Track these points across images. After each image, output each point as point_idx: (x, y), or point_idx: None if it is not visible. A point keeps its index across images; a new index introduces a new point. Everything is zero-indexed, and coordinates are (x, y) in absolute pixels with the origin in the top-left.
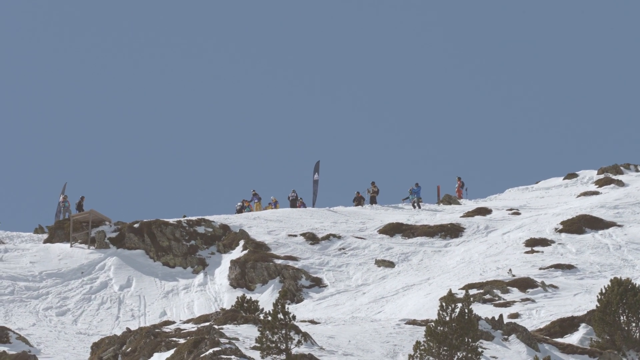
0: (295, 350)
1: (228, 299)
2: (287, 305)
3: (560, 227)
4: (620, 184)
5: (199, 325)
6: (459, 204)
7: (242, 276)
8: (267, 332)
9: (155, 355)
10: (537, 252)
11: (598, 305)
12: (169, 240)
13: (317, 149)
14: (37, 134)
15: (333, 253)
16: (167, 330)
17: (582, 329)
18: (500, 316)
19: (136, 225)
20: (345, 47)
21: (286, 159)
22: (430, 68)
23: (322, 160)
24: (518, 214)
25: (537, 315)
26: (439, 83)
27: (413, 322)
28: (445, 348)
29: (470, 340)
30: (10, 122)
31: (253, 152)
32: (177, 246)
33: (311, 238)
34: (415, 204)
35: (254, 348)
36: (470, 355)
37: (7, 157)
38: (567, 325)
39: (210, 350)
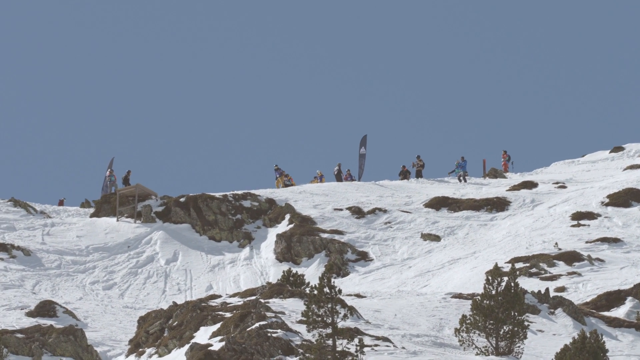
0: (341, 324)
1: (274, 272)
2: (333, 279)
3: (607, 200)
4: None
5: (245, 299)
6: (504, 177)
7: (288, 250)
8: (313, 306)
9: (202, 329)
10: (583, 225)
11: None
12: (215, 214)
13: (363, 123)
14: (84, 109)
15: (379, 227)
16: (213, 304)
17: (629, 303)
18: (547, 290)
19: (182, 200)
20: (391, 21)
21: (332, 132)
22: (476, 41)
23: (368, 133)
24: (564, 187)
25: (583, 288)
26: (485, 56)
27: (459, 296)
28: (491, 322)
29: (516, 313)
30: (58, 97)
31: (299, 126)
32: (223, 220)
33: (357, 212)
34: (461, 178)
35: (300, 322)
36: (516, 329)
37: (55, 132)
38: (614, 298)
39: (257, 324)
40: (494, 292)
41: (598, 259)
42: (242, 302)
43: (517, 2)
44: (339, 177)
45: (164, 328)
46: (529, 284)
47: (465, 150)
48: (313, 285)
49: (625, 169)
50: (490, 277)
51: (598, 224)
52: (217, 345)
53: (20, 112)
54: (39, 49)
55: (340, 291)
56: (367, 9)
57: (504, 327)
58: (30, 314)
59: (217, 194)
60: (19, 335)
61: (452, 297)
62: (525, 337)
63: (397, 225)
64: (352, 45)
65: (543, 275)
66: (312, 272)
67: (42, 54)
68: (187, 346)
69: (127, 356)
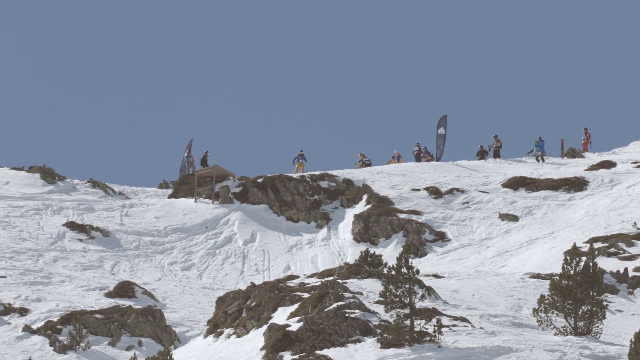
0: (419, 304)
1: (352, 253)
2: (410, 260)
3: None
4: None
5: (323, 280)
6: (582, 157)
7: (365, 230)
8: (391, 286)
9: (280, 309)
10: None
11: None
12: (292, 195)
13: (440, 103)
14: (163, 90)
15: (457, 207)
16: (291, 284)
17: None
18: (625, 269)
19: (260, 180)
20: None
21: (410, 112)
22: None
23: (446, 113)
24: None
25: None
26: (564, 34)
27: (537, 276)
28: (569, 302)
29: (595, 293)
30: (138, 78)
31: (377, 106)
32: (301, 201)
33: (434, 192)
34: (539, 158)
35: (378, 302)
36: (595, 308)
37: (133, 113)
38: None
39: (334, 305)
40: (572, 272)
41: None
42: (319, 283)
43: None
44: (418, 157)
45: (242, 309)
46: (608, 264)
47: (542, 130)
48: (391, 266)
49: None
50: (568, 257)
51: None
52: (295, 325)
53: (100, 94)
54: (114, 28)
55: (418, 271)
56: None
57: (583, 307)
58: (109, 295)
59: (295, 175)
60: (98, 315)
61: (530, 277)
62: (604, 317)
63: (475, 206)
64: (432, 26)
65: (622, 255)
66: (389, 252)
67: (118, 34)
68: (265, 327)
69: (205, 337)
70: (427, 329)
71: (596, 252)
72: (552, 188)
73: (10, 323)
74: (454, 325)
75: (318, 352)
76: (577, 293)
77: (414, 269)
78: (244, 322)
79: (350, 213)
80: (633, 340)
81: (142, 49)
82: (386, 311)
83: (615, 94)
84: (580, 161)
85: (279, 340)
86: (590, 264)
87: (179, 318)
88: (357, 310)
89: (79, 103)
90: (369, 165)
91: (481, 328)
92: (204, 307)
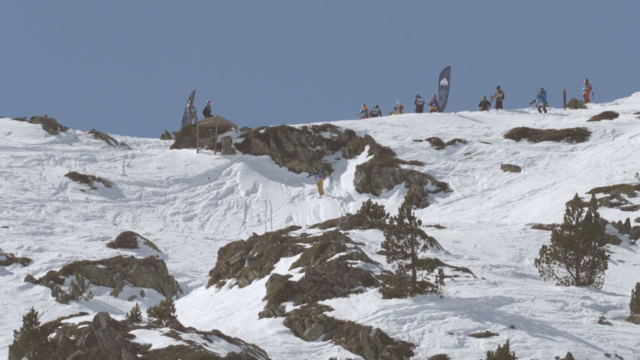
0: (421, 255)
1: (354, 204)
2: (412, 210)
3: None
4: None
5: (325, 230)
6: (585, 107)
7: (367, 181)
8: (393, 236)
9: (282, 260)
10: None
11: None
12: (294, 146)
13: (443, 54)
14: (165, 42)
15: (459, 158)
16: (293, 235)
17: None
18: (627, 220)
19: (262, 131)
20: None
21: (413, 64)
22: None
23: (448, 64)
24: None
25: None
26: None
27: (539, 227)
28: (571, 252)
29: (596, 244)
30: (139, 29)
31: (379, 57)
32: (303, 152)
33: (437, 143)
34: (541, 109)
35: (380, 253)
36: (596, 259)
37: (135, 64)
38: None
39: (337, 255)
40: (574, 222)
41: None
42: (322, 233)
43: None
44: (420, 108)
45: (244, 259)
46: (610, 215)
47: (545, 81)
48: (393, 217)
49: None
50: (570, 208)
51: None
52: (297, 276)
53: (102, 43)
54: None
55: (420, 222)
56: None
57: (585, 258)
58: (111, 245)
59: (297, 126)
60: (100, 266)
61: (532, 228)
62: (605, 268)
63: (477, 156)
64: None
65: (624, 206)
66: (391, 203)
67: None
68: (267, 277)
69: (207, 287)
70: (429, 279)
71: (598, 203)
72: (555, 139)
73: (12, 273)
74: (455, 276)
75: (320, 302)
76: (579, 243)
77: (416, 220)
78: (246, 273)
79: (352, 164)
80: (635, 290)
81: None
82: (388, 262)
83: (618, 45)
84: (583, 112)
85: (281, 290)
86: (592, 215)
87: (181, 268)
88: (359, 261)
89: (81, 53)
90: (377, 115)
91: (483, 278)
92: (206, 258)
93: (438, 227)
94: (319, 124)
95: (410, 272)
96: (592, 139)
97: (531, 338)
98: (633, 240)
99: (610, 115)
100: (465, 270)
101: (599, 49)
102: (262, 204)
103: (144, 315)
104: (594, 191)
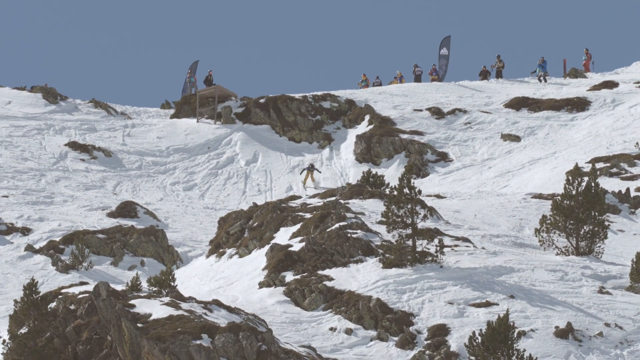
0: (421, 224)
1: (354, 173)
2: (412, 180)
3: None
4: None
5: (325, 200)
6: (585, 77)
7: (367, 151)
8: (393, 206)
9: (282, 229)
10: None
11: None
12: (294, 116)
13: (444, 23)
14: (166, 11)
15: (459, 127)
16: (294, 204)
17: None
18: (627, 189)
19: (262, 101)
20: None
21: (413, 33)
22: None
23: (449, 34)
24: None
25: None
26: None
27: (539, 196)
28: (571, 222)
29: (596, 213)
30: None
31: (379, 26)
32: (303, 121)
33: (437, 112)
34: (541, 78)
35: (380, 222)
36: (596, 228)
37: (136, 33)
38: None
39: (337, 225)
40: (574, 192)
41: None
42: (322, 203)
43: None
44: (418, 78)
45: (244, 229)
46: (610, 184)
47: (545, 51)
48: (393, 186)
49: None
50: (570, 177)
51: None
52: (297, 246)
53: (103, 12)
54: None
55: (420, 192)
56: None
57: (584, 227)
58: (111, 215)
59: (297, 95)
60: (100, 235)
61: (532, 198)
62: (605, 237)
63: (477, 126)
64: None
65: (624, 175)
66: (391, 172)
67: None
68: (267, 247)
69: (207, 257)
70: (429, 249)
71: (598, 172)
72: (555, 108)
73: (12, 243)
74: (455, 246)
75: (320, 272)
76: (579, 213)
77: (416, 190)
78: (246, 243)
79: (352, 133)
80: (634, 259)
81: None
82: (388, 231)
83: (618, 15)
84: (583, 81)
85: (281, 260)
86: (592, 184)
87: (181, 238)
88: (359, 231)
89: (82, 22)
90: (379, 85)
91: (483, 248)
92: (206, 227)
93: (438, 196)
94: (319, 93)
95: (410, 242)
96: (592, 109)
97: (531, 308)
98: (633, 210)
99: (611, 84)
100: (465, 240)
101: (599, 18)
102: (262, 173)
103: (144, 284)
104: (594, 161)
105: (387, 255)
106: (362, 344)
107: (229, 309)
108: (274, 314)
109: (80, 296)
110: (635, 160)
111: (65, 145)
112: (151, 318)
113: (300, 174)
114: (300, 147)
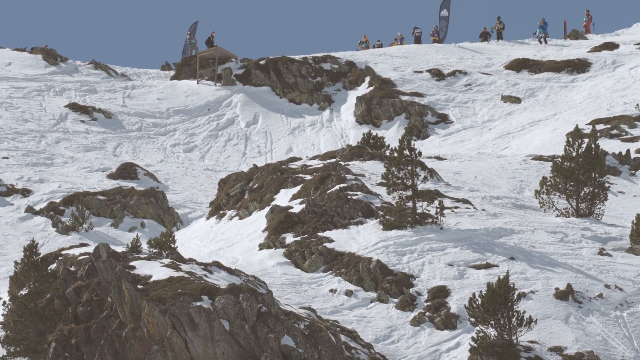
0: (421, 186)
1: (354, 135)
2: (413, 142)
3: None
4: None
5: (325, 162)
6: (585, 39)
7: (367, 112)
8: (393, 168)
9: (282, 191)
10: None
11: None
12: (295, 77)
13: None
14: None
15: (459, 89)
16: (294, 166)
17: None
18: (628, 151)
19: (262, 62)
20: None
21: None
22: None
23: None
24: None
25: None
26: None
27: (539, 158)
28: (571, 183)
29: (597, 175)
30: None
31: None
32: (303, 83)
33: (437, 74)
34: (542, 39)
35: (380, 184)
36: (596, 190)
37: None
38: None
39: (337, 187)
40: (574, 153)
41: None
42: (322, 165)
43: None
44: (418, 40)
45: (245, 190)
46: (610, 146)
47: (545, 12)
48: (393, 148)
49: None
50: (570, 139)
51: None
52: (297, 207)
53: None
54: None
55: (420, 153)
56: None
57: (585, 189)
58: (111, 176)
59: (297, 57)
60: (100, 197)
61: (532, 159)
62: (605, 199)
63: (477, 88)
64: None
65: (624, 137)
66: (392, 134)
67: None
68: (267, 208)
69: (207, 218)
70: (429, 210)
71: (598, 134)
72: (555, 70)
73: (13, 204)
74: (456, 207)
75: (320, 234)
76: (579, 175)
77: (416, 151)
78: (246, 204)
79: (352, 95)
80: (634, 221)
81: None
82: (388, 193)
83: None
84: (583, 43)
85: (281, 222)
86: (593, 146)
87: (181, 200)
88: (359, 192)
89: None
90: (380, 47)
91: (483, 210)
92: (206, 189)
93: (438, 158)
94: (319, 55)
95: (410, 204)
96: (592, 70)
97: (531, 269)
98: (633, 172)
99: (611, 46)
100: (466, 201)
101: None
102: (262, 135)
103: (144, 246)
104: (594, 122)
105: (387, 217)
106: (362, 305)
107: (229, 271)
108: (274, 275)
109: (81, 258)
110: (636, 122)
111: (66, 106)
112: (151, 280)
113: None
114: (301, 108)
